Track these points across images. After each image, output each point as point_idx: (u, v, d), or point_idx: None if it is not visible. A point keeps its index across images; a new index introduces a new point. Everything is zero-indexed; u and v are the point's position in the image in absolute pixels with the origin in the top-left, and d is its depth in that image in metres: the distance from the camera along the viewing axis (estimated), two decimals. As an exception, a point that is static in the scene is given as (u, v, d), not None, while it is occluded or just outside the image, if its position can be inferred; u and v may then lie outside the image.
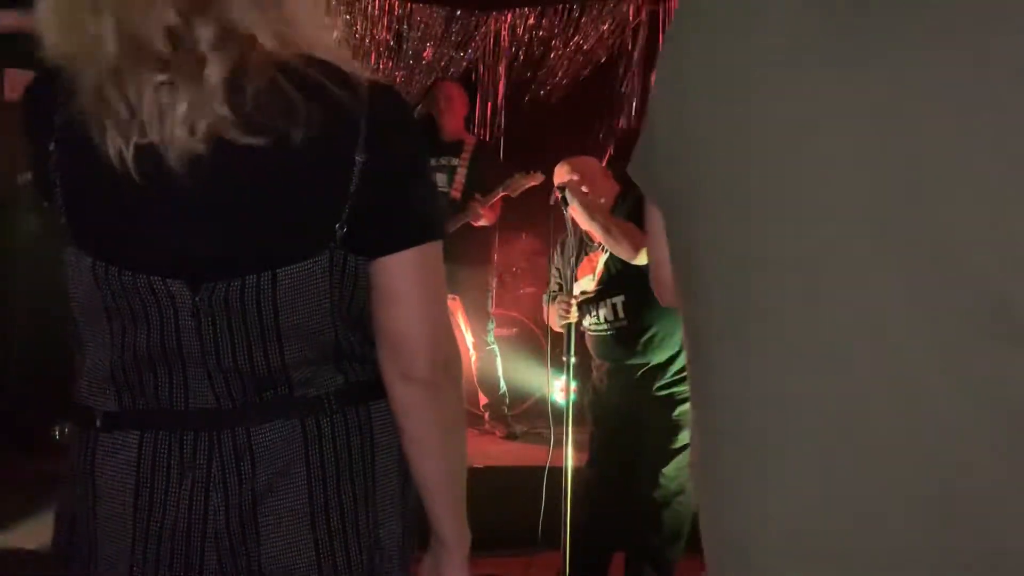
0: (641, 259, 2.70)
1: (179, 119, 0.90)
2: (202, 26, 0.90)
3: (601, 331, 2.85)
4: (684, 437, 2.75)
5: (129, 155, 0.91)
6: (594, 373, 2.95)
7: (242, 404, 0.99)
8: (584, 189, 2.84)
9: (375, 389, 1.06)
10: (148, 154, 0.92)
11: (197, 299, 0.96)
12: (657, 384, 2.77)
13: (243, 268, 0.96)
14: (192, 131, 0.90)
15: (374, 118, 0.97)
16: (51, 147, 0.96)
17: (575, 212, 2.74)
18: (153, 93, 0.90)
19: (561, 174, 2.92)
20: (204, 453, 0.98)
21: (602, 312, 2.84)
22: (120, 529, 1.00)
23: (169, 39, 0.89)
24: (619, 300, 2.80)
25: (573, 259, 2.78)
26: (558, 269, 2.99)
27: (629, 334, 2.78)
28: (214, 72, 0.90)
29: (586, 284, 2.92)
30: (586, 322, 2.87)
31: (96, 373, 1.01)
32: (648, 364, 2.77)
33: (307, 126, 0.91)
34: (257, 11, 0.91)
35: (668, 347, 2.76)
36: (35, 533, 1.10)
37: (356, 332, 1.03)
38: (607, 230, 2.74)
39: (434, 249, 1.02)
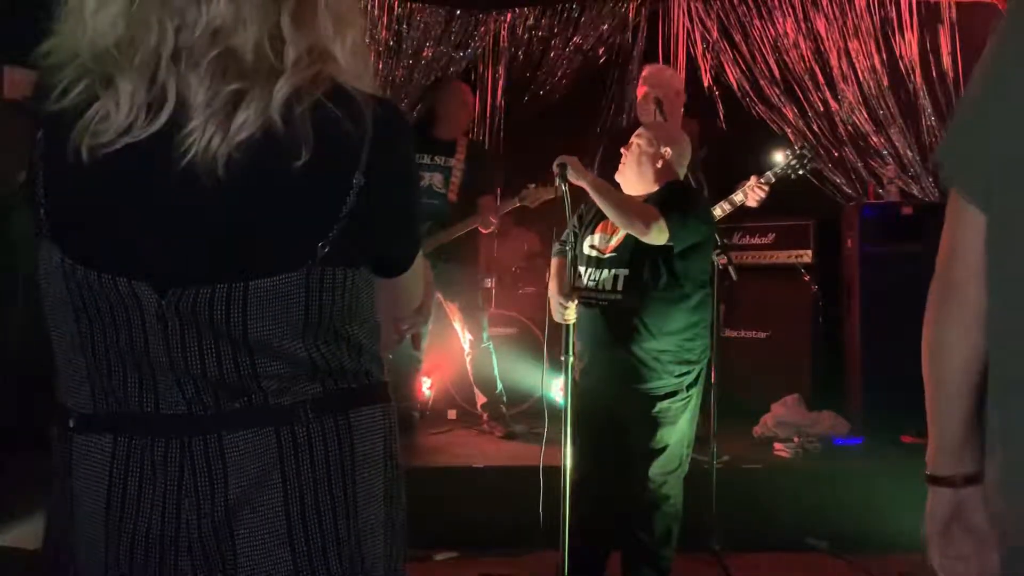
0: (654, 238, 2.68)
1: (235, 127, 0.91)
2: (295, 41, 0.94)
3: (591, 298, 2.80)
4: (664, 436, 2.73)
5: (119, 151, 0.91)
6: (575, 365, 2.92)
7: (214, 411, 0.97)
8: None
9: (356, 397, 1.05)
10: (135, 154, 0.92)
11: (163, 303, 0.94)
12: (637, 379, 2.74)
13: (214, 277, 0.94)
14: (230, 139, 0.91)
15: (377, 144, 0.98)
16: (39, 136, 0.97)
17: (581, 184, 2.73)
18: (221, 97, 0.91)
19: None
20: (175, 459, 0.96)
21: (603, 278, 2.79)
22: (94, 533, 0.98)
23: (258, 49, 0.92)
24: (623, 273, 2.76)
25: (574, 243, 2.76)
26: (580, 216, 2.92)
27: (617, 311, 2.75)
28: (283, 88, 0.92)
29: (600, 240, 2.88)
30: (580, 282, 2.80)
31: (70, 372, 1.00)
32: (627, 359, 2.74)
33: (311, 148, 0.94)
34: (338, 35, 0.97)
35: (651, 340, 2.73)
36: (38, 532, 1.10)
37: (335, 345, 1.02)
38: (615, 205, 2.71)
39: (419, 258, 1.16)
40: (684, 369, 2.77)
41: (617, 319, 2.75)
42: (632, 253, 2.76)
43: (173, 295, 0.94)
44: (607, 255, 2.82)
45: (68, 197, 0.96)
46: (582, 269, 2.84)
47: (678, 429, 2.76)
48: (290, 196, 0.95)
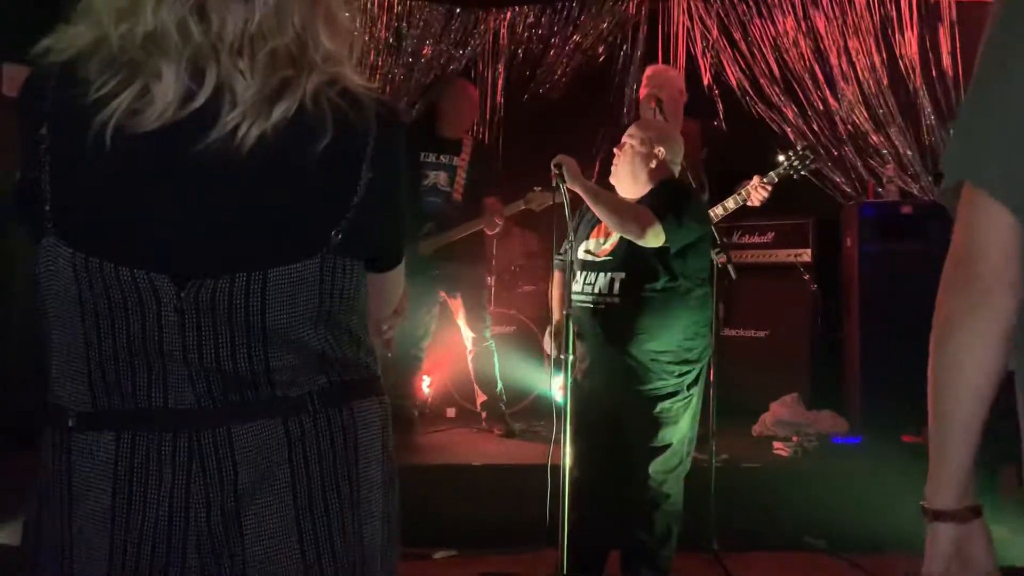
0: (650, 241, 2.68)
1: (276, 114, 0.95)
2: (325, 43, 1.00)
3: (588, 302, 2.80)
4: (665, 435, 2.74)
5: (138, 141, 0.92)
6: (575, 365, 2.93)
7: (223, 404, 0.98)
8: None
9: (358, 388, 1.07)
10: (151, 146, 0.93)
11: (183, 295, 0.95)
12: (638, 381, 2.74)
13: (234, 266, 0.96)
14: (263, 125, 0.94)
15: (381, 138, 1.03)
16: (43, 131, 0.96)
17: (575, 189, 2.73)
18: (270, 85, 0.96)
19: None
20: (184, 454, 0.97)
21: (599, 282, 2.79)
22: (97, 532, 0.98)
23: (299, 44, 0.98)
24: (619, 276, 2.76)
25: (572, 243, 2.75)
26: (576, 225, 2.93)
27: (616, 314, 2.75)
28: (314, 80, 0.98)
29: (594, 245, 2.88)
30: (576, 287, 2.81)
31: (69, 370, 1.00)
32: (628, 361, 2.74)
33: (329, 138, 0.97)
34: (345, 44, 1.03)
35: (651, 342, 2.73)
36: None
37: (339, 335, 1.04)
38: (610, 209, 2.71)
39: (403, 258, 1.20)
40: (685, 369, 2.77)
41: (616, 322, 2.75)
42: (627, 256, 2.76)
43: (192, 287, 0.95)
44: (601, 258, 2.82)
45: (80, 191, 0.96)
46: (578, 274, 2.84)
47: (680, 428, 2.76)
48: (306, 184, 0.98)
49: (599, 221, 2.85)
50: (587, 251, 2.88)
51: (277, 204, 0.97)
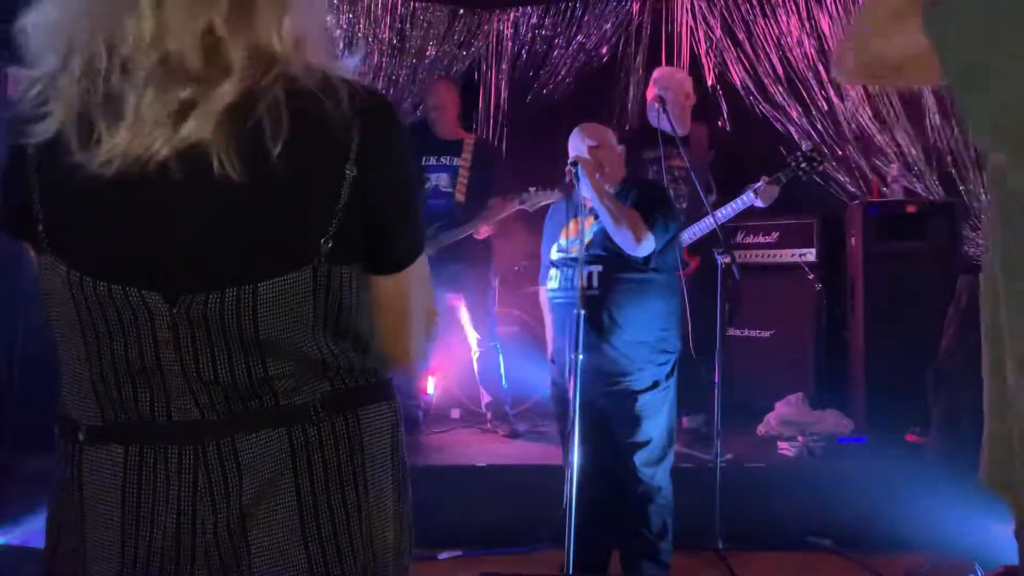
0: (643, 250, 2.73)
1: (184, 134, 0.90)
2: (235, 45, 0.91)
3: (568, 298, 2.82)
4: (647, 429, 2.77)
5: (115, 163, 0.90)
6: (555, 362, 2.96)
7: (226, 415, 0.97)
8: (598, 160, 2.89)
9: (364, 395, 1.05)
10: (131, 163, 0.91)
11: (174, 311, 0.94)
12: (619, 374, 2.77)
13: (223, 281, 0.94)
14: (184, 146, 0.90)
15: (366, 133, 0.97)
16: (30, 150, 0.95)
17: (587, 184, 2.79)
18: (169, 105, 0.90)
19: (576, 142, 2.98)
20: (189, 466, 0.96)
21: (575, 276, 2.81)
22: (108, 545, 0.98)
23: (203, 53, 0.90)
24: (596, 269, 2.81)
25: (583, 237, 2.77)
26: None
27: (596, 306, 2.78)
28: (228, 92, 0.90)
29: (565, 243, 2.93)
30: (553, 284, 2.88)
31: (77, 384, 1.00)
32: (608, 354, 2.76)
33: (294, 141, 0.92)
34: (277, 28, 0.94)
35: (630, 332, 2.76)
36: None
37: (342, 342, 1.02)
38: (614, 215, 2.77)
39: (421, 262, 1.09)
40: (663, 359, 2.83)
41: (597, 314, 2.78)
42: (602, 249, 2.81)
43: (183, 302, 0.94)
44: (575, 254, 2.85)
45: (69, 209, 0.95)
46: (553, 272, 2.90)
47: (660, 421, 2.81)
48: (284, 194, 0.94)
49: (566, 221, 2.92)
50: (559, 250, 2.94)
51: (260, 216, 0.94)
